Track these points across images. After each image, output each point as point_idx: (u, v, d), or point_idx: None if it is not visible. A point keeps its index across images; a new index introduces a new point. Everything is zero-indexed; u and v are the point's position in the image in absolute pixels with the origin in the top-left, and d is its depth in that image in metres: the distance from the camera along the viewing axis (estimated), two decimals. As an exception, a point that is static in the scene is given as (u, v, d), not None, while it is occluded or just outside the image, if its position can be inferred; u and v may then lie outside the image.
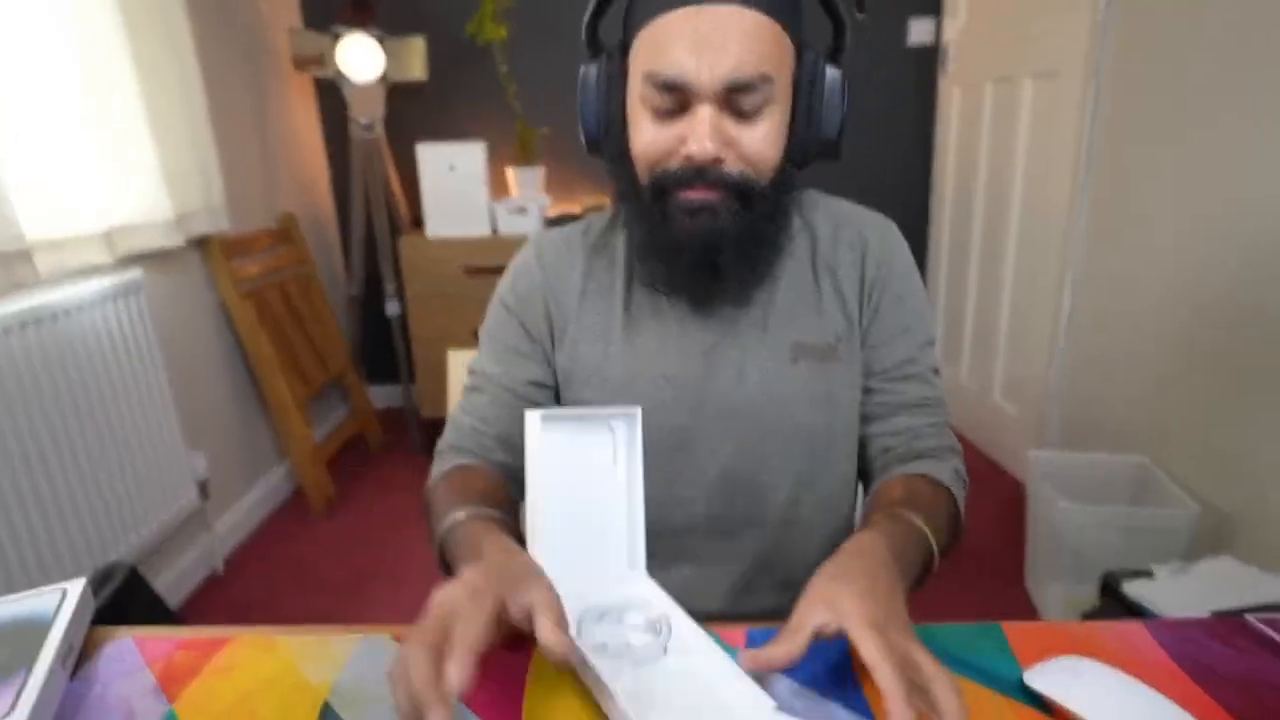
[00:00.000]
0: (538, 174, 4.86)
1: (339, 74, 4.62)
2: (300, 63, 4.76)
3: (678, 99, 1.32)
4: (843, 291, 1.55)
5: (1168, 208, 3.18)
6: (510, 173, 4.97)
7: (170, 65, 3.52)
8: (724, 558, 1.60)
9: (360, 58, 4.57)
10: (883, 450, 1.58)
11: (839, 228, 1.59)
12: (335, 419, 5.31)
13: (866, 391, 1.58)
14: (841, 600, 1.00)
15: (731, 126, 1.33)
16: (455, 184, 4.61)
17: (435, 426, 4.99)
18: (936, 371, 1.63)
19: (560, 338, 1.62)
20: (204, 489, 3.70)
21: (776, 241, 1.51)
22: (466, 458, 1.57)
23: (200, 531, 3.77)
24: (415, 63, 4.81)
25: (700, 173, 1.33)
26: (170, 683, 1.04)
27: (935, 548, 1.29)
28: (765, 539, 1.58)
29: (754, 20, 1.28)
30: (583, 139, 1.55)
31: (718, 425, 1.54)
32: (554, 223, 4.58)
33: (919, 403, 1.57)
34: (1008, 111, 4.29)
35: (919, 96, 5.08)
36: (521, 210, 4.67)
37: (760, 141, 1.34)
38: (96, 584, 2.87)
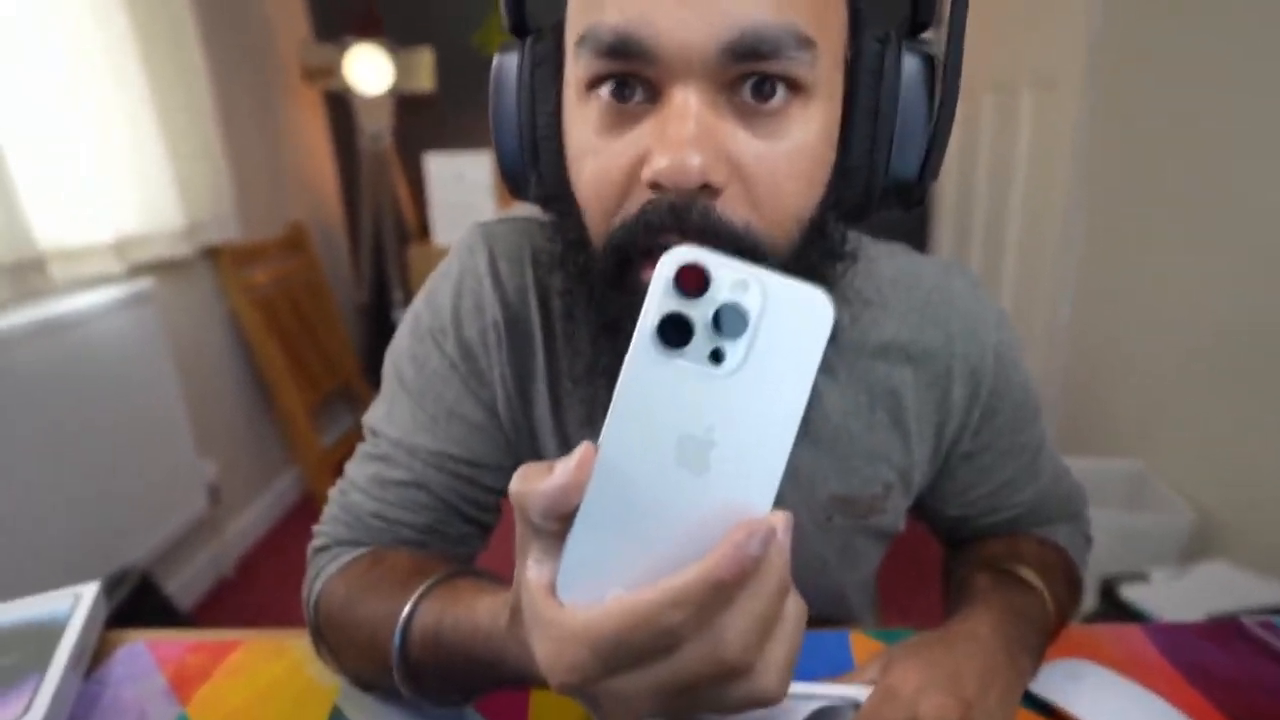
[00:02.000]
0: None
1: (348, 86, 4.63)
2: (309, 74, 4.77)
3: (638, 72, 0.75)
4: (907, 425, 1.09)
5: (1164, 217, 3.18)
6: (517, 182, 4.91)
7: (181, 77, 3.53)
8: None
9: (368, 69, 4.58)
10: (991, 527, 1.24)
11: (907, 327, 1.07)
12: (343, 425, 5.32)
13: (964, 504, 1.20)
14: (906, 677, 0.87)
15: (734, 132, 0.75)
16: (463, 194, 4.61)
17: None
18: (1054, 458, 1.26)
19: (518, 400, 1.11)
20: (214, 495, 3.70)
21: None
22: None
23: (211, 536, 3.78)
24: (423, 74, 4.81)
25: (678, 216, 0.74)
26: (182, 685, 1.04)
27: (1051, 607, 1.03)
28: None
29: None
30: (501, 172, 0.94)
31: None
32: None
33: (1039, 496, 1.22)
34: (1007, 121, 4.29)
35: (919, 107, 5.01)
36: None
37: (785, 167, 0.77)
38: (109, 588, 2.87)
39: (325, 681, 1.03)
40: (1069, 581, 1.16)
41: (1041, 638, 0.99)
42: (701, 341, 0.49)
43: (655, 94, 0.75)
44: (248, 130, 4.33)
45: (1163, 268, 3.16)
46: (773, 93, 0.74)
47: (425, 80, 4.83)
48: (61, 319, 2.80)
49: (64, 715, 0.98)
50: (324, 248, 5.23)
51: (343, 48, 4.55)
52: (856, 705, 0.91)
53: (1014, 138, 4.20)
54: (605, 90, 0.77)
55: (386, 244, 4.96)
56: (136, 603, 2.89)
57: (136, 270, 3.26)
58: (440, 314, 1.11)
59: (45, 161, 2.82)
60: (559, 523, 0.52)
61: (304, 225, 4.84)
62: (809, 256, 0.82)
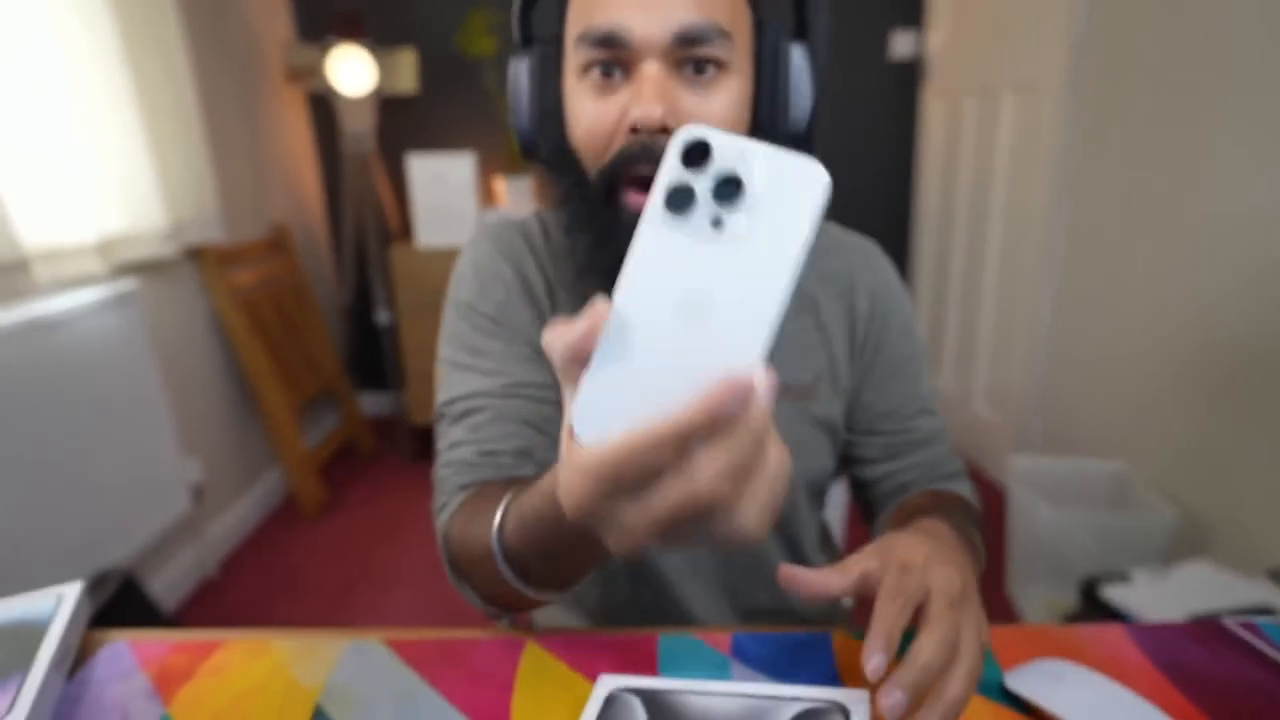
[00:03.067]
0: (527, 183, 4.84)
1: (331, 87, 4.63)
2: (293, 76, 4.78)
3: (618, 58, 1.12)
4: (826, 327, 1.40)
5: (1144, 218, 3.20)
6: (499, 182, 4.96)
7: (165, 78, 3.52)
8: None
9: (351, 70, 4.57)
10: (900, 486, 1.47)
11: (818, 256, 1.41)
12: (327, 426, 5.31)
13: (873, 434, 1.47)
14: (901, 550, 0.95)
15: (684, 94, 1.13)
16: (445, 195, 4.59)
17: (425, 433, 5.03)
18: (933, 396, 1.52)
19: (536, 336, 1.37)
20: (198, 495, 3.69)
21: None
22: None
23: (194, 537, 3.77)
24: (406, 75, 4.82)
25: (647, 149, 1.10)
26: (165, 685, 1.04)
27: (980, 550, 1.22)
28: (727, 569, 1.48)
29: None
30: (518, 143, 1.30)
31: None
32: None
33: (932, 436, 1.48)
34: (988, 124, 4.30)
35: (901, 109, 5.09)
36: (511, 220, 4.59)
37: (719, 113, 1.14)
38: (92, 588, 2.87)
39: (308, 682, 1.02)
40: (980, 531, 1.29)
41: (976, 560, 1.14)
42: (704, 209, 0.58)
43: (628, 73, 1.13)
44: (231, 131, 4.32)
45: (1143, 272, 3.18)
46: (704, 69, 1.12)
47: (408, 81, 4.84)
48: (45, 319, 2.79)
49: (47, 715, 0.97)
50: (307, 249, 5.23)
51: (326, 49, 4.56)
52: (843, 709, 0.91)
53: (995, 141, 4.23)
54: (595, 72, 1.14)
55: (369, 245, 4.96)
56: (120, 603, 2.88)
57: (120, 271, 3.26)
58: (468, 294, 1.39)
59: (28, 162, 2.81)
60: (578, 367, 0.61)
61: (287, 227, 4.84)
62: None
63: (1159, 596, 2.51)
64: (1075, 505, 3.19)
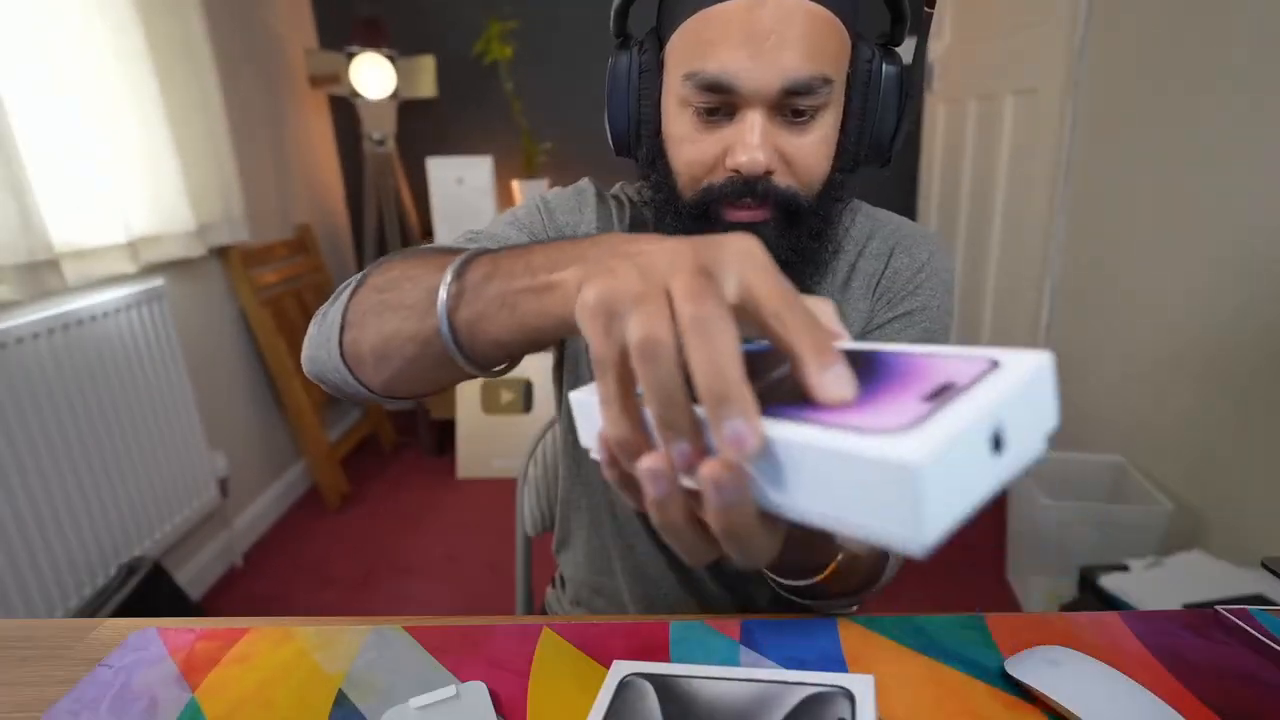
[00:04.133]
0: (543, 186, 4.81)
1: (353, 92, 4.64)
2: (316, 81, 4.78)
3: (724, 102, 1.12)
4: (858, 305, 1.38)
5: (1142, 219, 3.19)
6: (516, 185, 4.96)
7: (192, 83, 3.53)
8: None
9: (373, 76, 4.58)
10: None
11: (871, 238, 1.41)
12: (349, 420, 5.33)
13: None
14: None
15: (783, 135, 1.14)
16: (464, 196, 4.60)
17: (445, 427, 5.02)
18: None
19: None
20: (224, 487, 3.71)
21: (819, 260, 1.29)
22: None
23: (221, 527, 3.78)
24: (425, 81, 4.83)
25: (749, 187, 1.14)
26: (191, 671, 1.04)
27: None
28: None
29: (814, 13, 1.08)
30: (610, 139, 1.32)
31: None
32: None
33: None
34: (990, 127, 4.29)
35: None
36: (527, 221, 4.59)
37: (812, 153, 1.16)
38: (122, 577, 2.88)
39: (330, 668, 1.03)
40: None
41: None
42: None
43: (732, 113, 1.14)
44: (256, 135, 4.34)
45: (1141, 271, 3.17)
46: (808, 110, 1.13)
47: (428, 86, 4.84)
48: (76, 316, 2.80)
49: None
50: (329, 249, 5.24)
51: (348, 55, 4.57)
52: (849, 694, 0.91)
53: (996, 144, 4.22)
54: (699, 106, 1.14)
55: (390, 246, 4.95)
56: (148, 591, 2.89)
57: (149, 270, 3.27)
58: (528, 214, 1.40)
59: (59, 164, 2.82)
60: None
61: (310, 227, 4.85)
62: (828, 201, 1.22)
63: (1155, 586, 2.51)
64: (1074, 497, 3.17)
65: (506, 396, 4.50)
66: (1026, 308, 4.07)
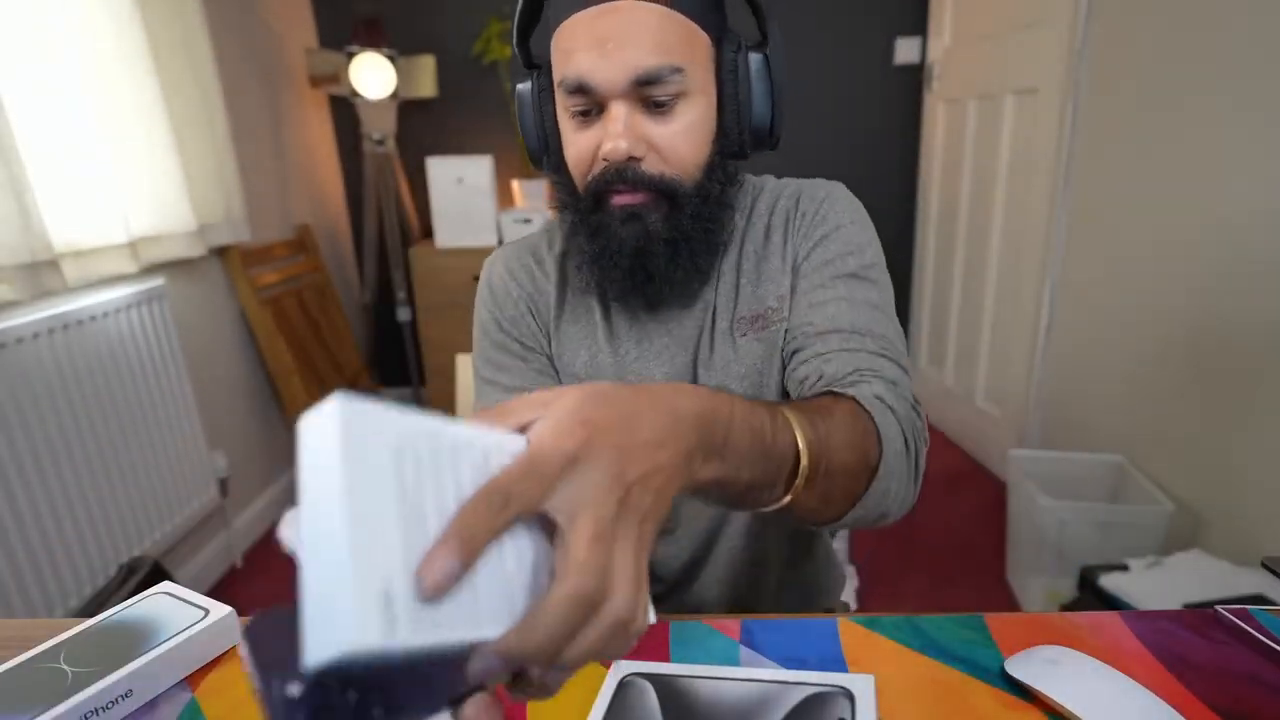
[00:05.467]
0: (542, 186, 4.86)
1: (353, 91, 4.64)
2: (316, 81, 4.78)
3: (590, 101, 1.25)
4: (782, 251, 1.43)
5: (1142, 219, 3.19)
6: (516, 184, 5.00)
7: (193, 84, 3.53)
8: (666, 546, 1.52)
9: (373, 76, 4.59)
10: (796, 395, 1.30)
11: (779, 197, 1.48)
12: (349, 420, 5.28)
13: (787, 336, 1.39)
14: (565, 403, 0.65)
15: (648, 124, 1.25)
16: (463, 196, 4.61)
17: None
18: (875, 306, 1.34)
19: (554, 338, 1.50)
20: (224, 486, 3.71)
21: (710, 241, 1.36)
22: None
23: (221, 527, 3.79)
24: (425, 81, 4.84)
25: (620, 174, 1.25)
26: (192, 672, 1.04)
27: (803, 444, 0.89)
28: (700, 531, 1.50)
29: (657, 14, 1.20)
30: (527, 154, 1.46)
31: None
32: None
33: (833, 329, 1.30)
34: (990, 127, 4.30)
35: (905, 113, 5.08)
36: (527, 220, 4.67)
37: (676, 137, 1.25)
38: (122, 577, 2.88)
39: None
40: (856, 431, 1.02)
41: (763, 437, 0.85)
42: None
43: (602, 110, 1.24)
44: (256, 135, 4.35)
45: (1141, 271, 3.18)
46: (665, 102, 1.23)
47: (427, 87, 4.86)
48: (76, 315, 2.81)
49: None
50: (329, 249, 5.25)
51: (348, 55, 4.57)
52: (848, 693, 0.91)
53: (996, 143, 4.23)
54: (573, 110, 1.27)
55: (390, 245, 4.98)
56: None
57: (149, 269, 3.27)
58: (486, 314, 1.53)
59: (60, 164, 2.83)
60: None
61: (310, 227, 4.86)
62: (710, 185, 1.32)
63: (1155, 586, 2.51)
64: (1074, 498, 3.17)
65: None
66: (1027, 308, 4.06)
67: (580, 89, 1.23)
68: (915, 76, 5.00)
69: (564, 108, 1.30)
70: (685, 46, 1.23)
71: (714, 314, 1.43)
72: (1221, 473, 2.79)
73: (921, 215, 5.19)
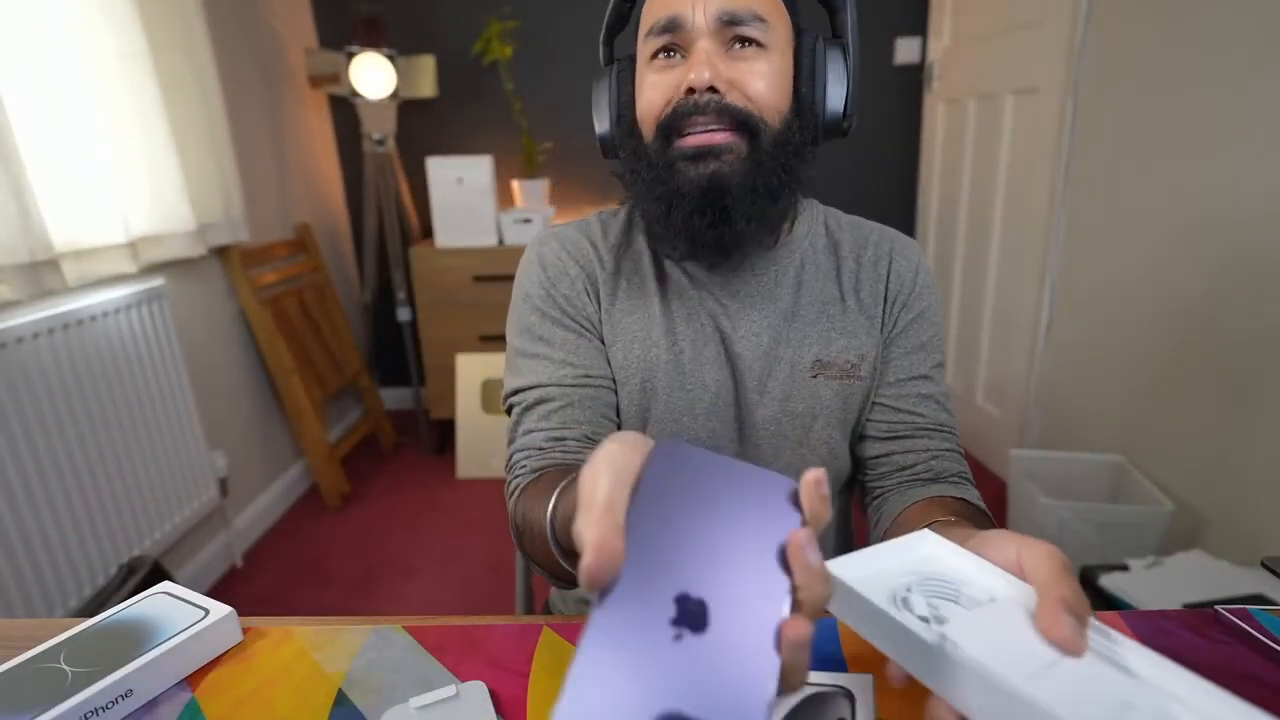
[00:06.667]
0: (542, 186, 4.86)
1: (353, 91, 4.64)
2: (316, 81, 4.78)
3: (676, 42, 1.30)
4: (868, 311, 1.46)
5: (1142, 219, 3.20)
6: (516, 185, 4.98)
7: (193, 84, 3.53)
8: None
9: (373, 76, 4.59)
10: (899, 468, 1.46)
11: (864, 247, 1.51)
12: (349, 420, 5.34)
13: (879, 407, 1.49)
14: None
15: (729, 63, 1.29)
16: (463, 196, 4.60)
17: (444, 427, 5.05)
18: (948, 397, 1.53)
19: (607, 321, 1.47)
20: (224, 486, 3.71)
21: (783, 196, 1.35)
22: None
23: (220, 527, 3.79)
24: (425, 80, 4.84)
25: (700, 107, 1.28)
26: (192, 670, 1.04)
27: None
28: None
29: None
30: (598, 143, 1.47)
31: (738, 434, 1.46)
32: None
33: (937, 427, 1.47)
34: (990, 127, 4.30)
35: (905, 112, 5.09)
36: (527, 221, 4.65)
37: (760, 77, 1.29)
38: (122, 577, 2.88)
39: (330, 667, 1.03)
40: None
41: None
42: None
43: (687, 50, 1.30)
44: (256, 134, 4.35)
45: (1140, 270, 3.18)
46: (749, 43, 1.29)
47: (427, 87, 4.86)
48: (77, 315, 2.81)
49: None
50: (329, 249, 5.25)
51: (348, 55, 4.57)
52: (848, 693, 0.91)
53: (996, 143, 4.23)
54: (660, 57, 1.32)
55: (390, 245, 4.97)
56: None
57: (149, 269, 3.27)
58: (539, 288, 1.48)
59: (60, 164, 2.83)
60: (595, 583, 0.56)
61: (310, 227, 4.85)
62: (789, 139, 1.33)
63: (1155, 585, 2.51)
64: (1074, 497, 3.18)
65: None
66: (1027, 308, 4.07)
67: (669, 27, 1.29)
68: (915, 76, 5.00)
69: (646, 58, 1.35)
70: (772, 8, 1.31)
71: (789, 333, 1.44)
72: (1221, 473, 2.79)
73: (922, 215, 5.20)
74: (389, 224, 4.96)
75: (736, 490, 0.62)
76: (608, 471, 0.60)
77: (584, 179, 5.34)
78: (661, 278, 1.48)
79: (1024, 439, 4.18)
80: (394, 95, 4.74)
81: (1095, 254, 3.54)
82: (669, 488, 0.60)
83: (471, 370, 4.75)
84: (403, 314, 5.07)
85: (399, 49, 4.80)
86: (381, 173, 4.88)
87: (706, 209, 1.30)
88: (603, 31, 1.47)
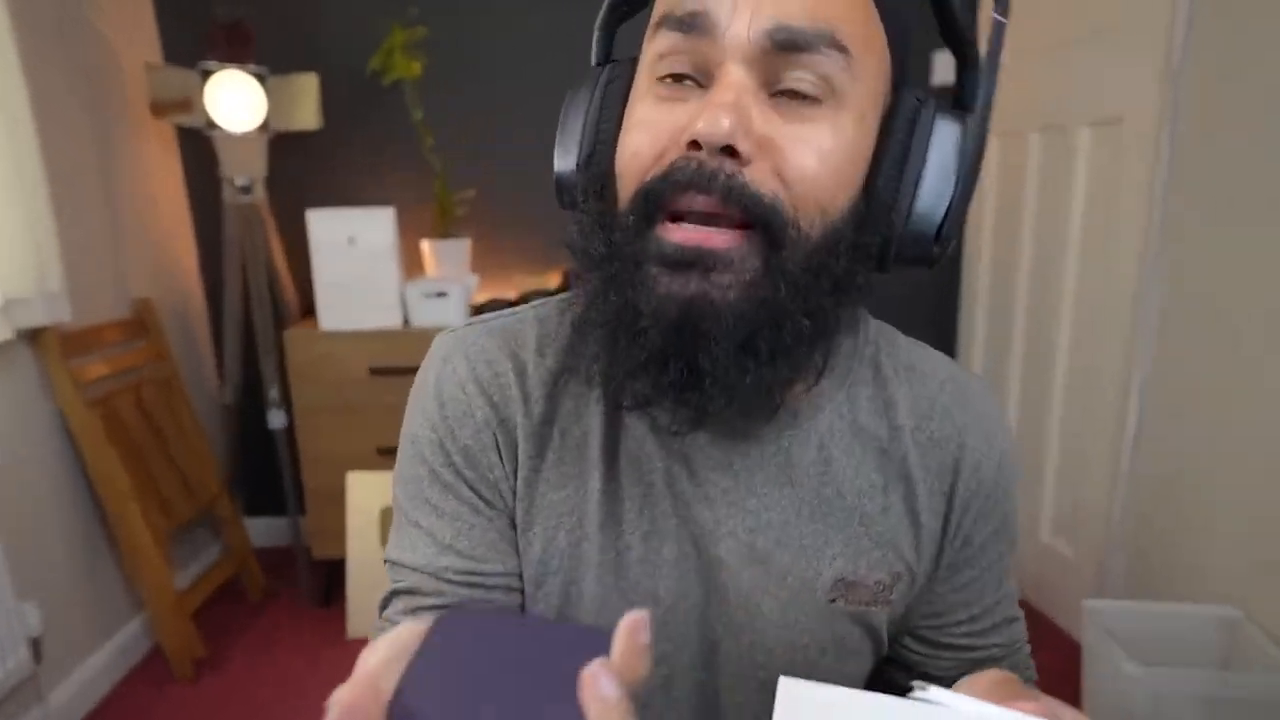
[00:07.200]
0: (463, 247, 4.90)
1: (209, 122, 4.62)
2: (159, 108, 4.76)
3: (697, 59, 1.03)
4: (917, 509, 1.30)
5: (1265, 290, 3.15)
6: (426, 246, 5.00)
7: (-3, 114, 3.52)
8: None
9: (235, 100, 4.58)
10: (969, 659, 1.43)
11: (928, 417, 1.31)
12: (205, 560, 5.29)
13: (938, 627, 1.41)
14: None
15: (769, 115, 1.02)
16: (356, 261, 4.60)
17: (331, 569, 4.99)
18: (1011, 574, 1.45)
19: (524, 490, 1.29)
20: (37, 649, 3.69)
21: (802, 353, 1.10)
22: None
23: (32, 702, 3.75)
24: (305, 107, 4.84)
25: (702, 176, 1.00)
26: None
27: None
28: None
29: None
30: (554, 185, 1.24)
31: (704, 662, 1.32)
32: (481, 310, 3.80)
33: (1009, 642, 1.46)
34: (1059, 167, 4.32)
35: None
36: (441, 294, 4.65)
37: (813, 149, 1.02)
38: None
39: None
40: None
41: None
42: None
43: (705, 83, 1.04)
44: (80, 180, 4.35)
45: (1263, 360, 3.17)
46: (807, 93, 1.02)
47: (308, 115, 4.85)
48: None
49: None
50: (178, 332, 5.24)
51: (203, 74, 4.55)
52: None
53: (1068, 188, 4.25)
54: (665, 75, 1.07)
55: (258, 327, 4.95)
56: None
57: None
58: (429, 430, 1.31)
59: None
60: None
61: (152, 302, 4.84)
62: (831, 263, 1.07)
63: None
64: (1173, 663, 3.18)
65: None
66: (1108, 412, 4.09)
67: (689, 22, 1.02)
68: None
69: (649, 70, 1.11)
70: (858, 30, 1.05)
71: (784, 537, 1.27)
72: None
73: (967, 286, 5.24)
74: (257, 298, 4.94)
75: (545, 652, 0.68)
76: (386, 647, 0.71)
77: (518, 238, 5.35)
78: (612, 432, 1.29)
79: (1104, 586, 4.17)
80: (264, 127, 4.73)
81: (1200, 340, 3.52)
82: (457, 659, 0.69)
83: (366, 494, 4.68)
84: (275, 419, 5.04)
85: (270, 65, 4.77)
86: (247, 230, 4.87)
87: (669, 358, 1.06)
88: (602, 12, 1.23)
